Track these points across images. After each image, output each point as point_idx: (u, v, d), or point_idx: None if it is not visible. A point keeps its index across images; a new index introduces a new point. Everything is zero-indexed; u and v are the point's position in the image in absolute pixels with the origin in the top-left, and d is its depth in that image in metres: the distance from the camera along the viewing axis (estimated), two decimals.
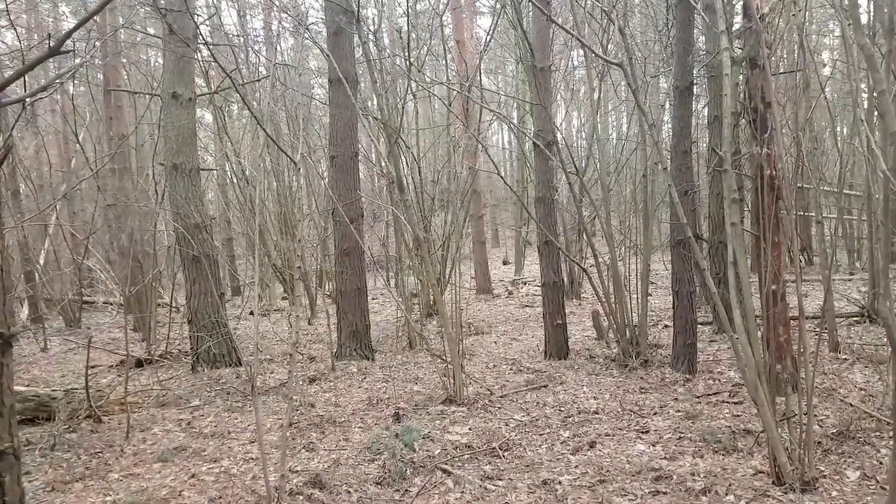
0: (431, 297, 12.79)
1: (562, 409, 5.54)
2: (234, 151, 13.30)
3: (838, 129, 15.51)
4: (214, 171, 16.23)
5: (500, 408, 5.62)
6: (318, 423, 5.38)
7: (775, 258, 5.10)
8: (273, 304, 16.02)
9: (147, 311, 10.68)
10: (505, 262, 24.38)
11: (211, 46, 10.61)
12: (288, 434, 5.12)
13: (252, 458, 4.63)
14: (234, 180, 14.34)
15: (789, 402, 3.85)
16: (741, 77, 5.47)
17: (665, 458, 4.28)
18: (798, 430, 3.75)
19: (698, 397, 5.69)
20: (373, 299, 15.36)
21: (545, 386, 6.34)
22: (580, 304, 12.60)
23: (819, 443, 4.26)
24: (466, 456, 4.50)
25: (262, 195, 14.32)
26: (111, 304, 15.41)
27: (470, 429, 5.06)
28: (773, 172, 5.14)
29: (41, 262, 13.55)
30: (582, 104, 21.46)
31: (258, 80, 9.55)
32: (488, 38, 9.04)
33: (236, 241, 19.44)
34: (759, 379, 3.65)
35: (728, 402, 5.39)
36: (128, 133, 11.42)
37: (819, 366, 6.43)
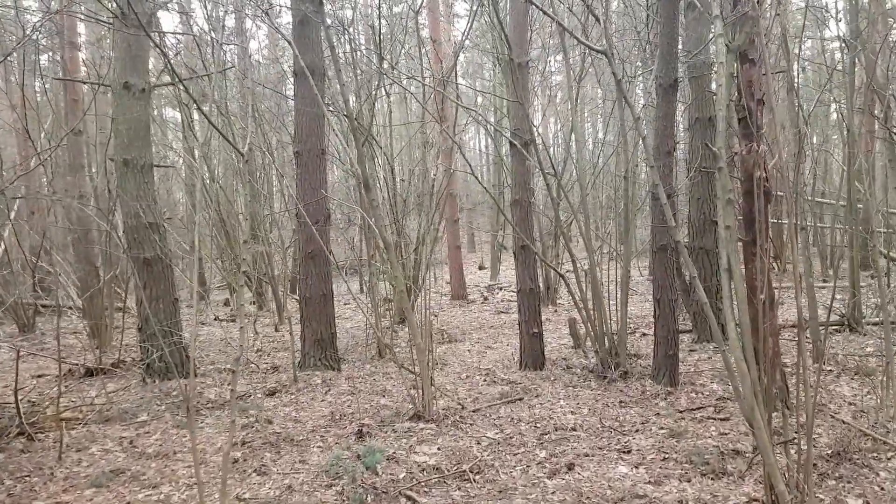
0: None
1: (538, 425, 5.17)
2: (200, 149, 12.77)
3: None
4: (182, 171, 15.66)
5: (471, 424, 5.23)
6: (274, 442, 4.94)
7: (765, 264, 4.80)
8: (240, 309, 15.47)
9: (101, 316, 10.12)
10: (481, 267, 24.05)
11: (170, 36, 10.12)
12: (239, 455, 4.70)
13: (197, 484, 4.17)
14: (204, 180, 13.79)
15: (787, 424, 3.52)
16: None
17: (649, 482, 3.93)
18: (795, 452, 3.43)
19: (681, 412, 5.36)
20: (345, 304, 14.88)
21: (520, 399, 5.97)
22: (556, 311, 12.28)
23: (814, 465, 3.94)
24: (434, 480, 4.10)
25: (230, 196, 13.83)
26: (72, 308, 14.72)
27: (439, 448, 4.67)
28: (765, 174, 4.85)
29: None
30: (559, 109, 21.28)
31: (217, 73, 9.06)
32: (466, 31, 8.73)
33: (203, 244, 18.82)
34: (756, 398, 3.31)
35: (714, 419, 5.06)
36: (82, 127, 10.81)
37: (803, 377, 6.16)
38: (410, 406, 5.39)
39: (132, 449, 4.95)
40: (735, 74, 4.75)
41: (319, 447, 4.82)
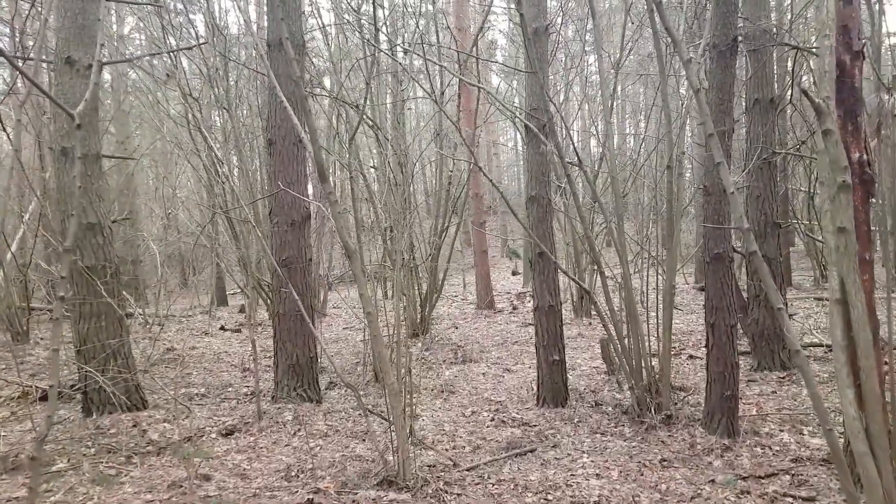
0: (419, 315, 11.18)
1: (549, 496, 3.86)
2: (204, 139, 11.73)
3: None
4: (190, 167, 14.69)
5: (459, 494, 3.93)
6: None
7: (865, 283, 3.40)
8: (251, 319, 14.44)
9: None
10: (514, 273, 22.65)
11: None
12: None
13: None
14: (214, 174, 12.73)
15: None
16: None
17: None
18: None
19: (745, 479, 3.98)
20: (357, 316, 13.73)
21: (532, 451, 4.66)
22: (590, 324, 10.88)
23: None
24: None
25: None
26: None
27: None
28: (864, 156, 3.47)
29: None
30: (599, 110, 19.86)
31: (192, 47, 7.99)
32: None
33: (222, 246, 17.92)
34: None
35: (793, 497, 3.67)
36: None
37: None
38: (382, 466, 4.13)
39: None
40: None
41: None
